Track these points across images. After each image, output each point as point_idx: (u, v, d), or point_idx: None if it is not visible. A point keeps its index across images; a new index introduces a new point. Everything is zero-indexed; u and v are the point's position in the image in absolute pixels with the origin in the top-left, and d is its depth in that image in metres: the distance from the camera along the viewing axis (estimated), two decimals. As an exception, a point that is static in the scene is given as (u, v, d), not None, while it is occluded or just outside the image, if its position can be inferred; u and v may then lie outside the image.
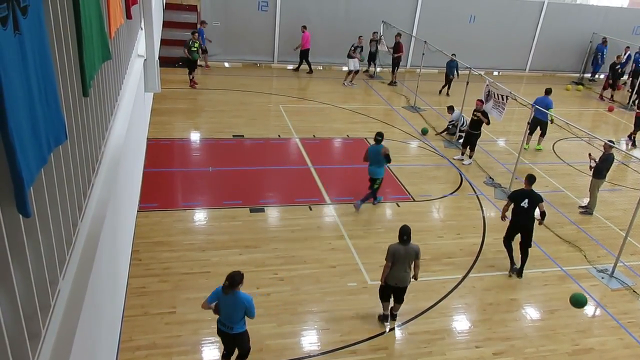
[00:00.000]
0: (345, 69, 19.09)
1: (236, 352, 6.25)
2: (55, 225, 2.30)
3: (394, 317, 7.50)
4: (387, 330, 7.36)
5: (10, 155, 1.57)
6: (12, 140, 1.55)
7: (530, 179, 8.71)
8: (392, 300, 7.38)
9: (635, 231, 9.30)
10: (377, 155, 10.00)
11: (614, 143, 10.79)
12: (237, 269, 8.29)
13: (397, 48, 18.84)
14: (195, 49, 16.01)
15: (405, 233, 7.04)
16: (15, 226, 1.80)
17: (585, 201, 11.38)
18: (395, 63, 19.10)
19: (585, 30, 22.32)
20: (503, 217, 8.88)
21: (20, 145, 1.62)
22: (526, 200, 8.46)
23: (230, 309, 5.77)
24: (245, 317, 5.87)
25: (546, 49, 22.46)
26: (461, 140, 13.94)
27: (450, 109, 14.25)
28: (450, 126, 14.34)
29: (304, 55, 19.06)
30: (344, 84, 18.50)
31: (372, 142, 13.73)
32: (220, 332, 6.03)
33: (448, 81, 18.22)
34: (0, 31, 1.47)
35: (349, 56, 18.16)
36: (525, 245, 8.65)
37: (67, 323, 2.25)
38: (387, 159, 10.05)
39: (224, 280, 5.69)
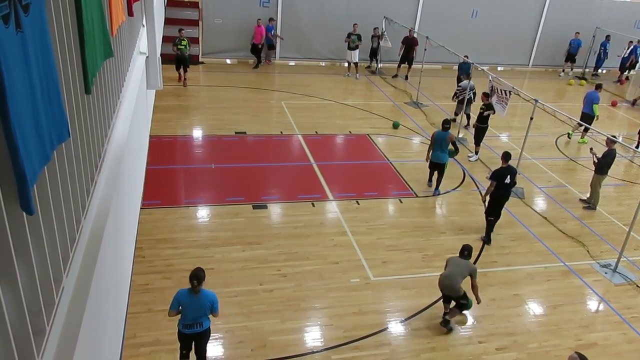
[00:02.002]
0: (346, 65, 19.07)
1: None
2: (58, 222, 2.31)
3: (444, 324, 7.33)
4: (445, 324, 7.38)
5: (13, 153, 1.57)
6: (15, 138, 1.56)
7: (507, 156, 9.41)
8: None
9: (638, 226, 9.27)
10: (443, 142, 10.60)
11: (616, 138, 10.76)
12: (240, 266, 8.34)
13: (412, 43, 18.70)
14: (183, 46, 15.92)
15: (466, 249, 7.35)
16: (19, 224, 1.81)
17: (586, 195, 11.35)
18: (410, 59, 18.91)
19: (588, 24, 22.19)
20: (485, 200, 9.56)
21: (23, 143, 1.62)
22: (508, 177, 9.22)
23: (198, 307, 5.80)
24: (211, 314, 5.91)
25: (549, 43, 22.35)
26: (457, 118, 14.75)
27: (468, 75, 14.69)
28: (458, 92, 14.71)
29: (255, 49, 18.63)
30: (345, 75, 18.76)
31: (375, 138, 13.80)
32: (185, 336, 5.94)
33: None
34: (2, 29, 1.48)
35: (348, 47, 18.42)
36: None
37: (72, 320, 2.26)
38: (454, 146, 10.72)
39: (190, 281, 5.74)
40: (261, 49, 18.69)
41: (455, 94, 15.01)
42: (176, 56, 16.11)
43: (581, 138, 14.69)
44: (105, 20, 3.30)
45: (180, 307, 5.83)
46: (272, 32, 18.84)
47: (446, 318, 7.33)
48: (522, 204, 11.02)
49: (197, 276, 5.75)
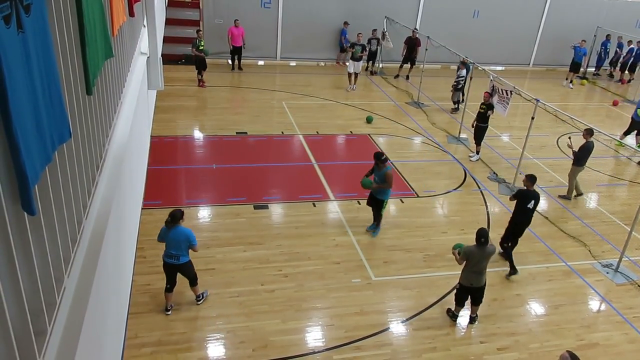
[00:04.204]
0: (348, 64, 19.03)
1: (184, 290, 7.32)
2: (60, 223, 2.31)
3: (472, 321, 7.55)
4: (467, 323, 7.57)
5: (14, 153, 1.58)
6: (16, 139, 1.56)
7: (532, 178, 8.58)
8: (469, 302, 7.50)
9: (640, 226, 9.28)
10: (381, 176, 9.01)
11: (592, 132, 10.84)
12: (241, 266, 8.34)
13: (414, 44, 18.68)
14: (203, 47, 15.89)
15: (482, 235, 6.97)
16: (20, 224, 1.81)
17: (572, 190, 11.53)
18: (413, 59, 18.92)
19: (589, 24, 22.19)
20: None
21: (25, 144, 1.62)
22: (532, 202, 8.42)
23: (175, 241, 6.81)
24: (190, 249, 6.93)
25: (550, 43, 22.35)
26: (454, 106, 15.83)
27: (463, 65, 15.68)
28: (460, 80, 15.66)
29: (236, 51, 18.13)
30: (346, 89, 17.42)
31: (376, 138, 13.79)
32: (166, 265, 7.00)
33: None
34: (4, 30, 1.48)
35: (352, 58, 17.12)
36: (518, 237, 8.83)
37: (73, 320, 2.25)
38: (382, 180, 8.97)
39: (167, 217, 6.83)
40: (240, 51, 18.16)
41: (458, 82, 15.78)
42: (196, 58, 15.93)
43: (638, 144, 14.30)
44: (106, 20, 3.30)
45: (165, 240, 6.90)
46: (347, 36, 19.01)
47: (472, 316, 7.53)
48: (523, 204, 11.00)
49: (172, 214, 6.80)
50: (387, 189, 9.08)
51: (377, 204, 9.29)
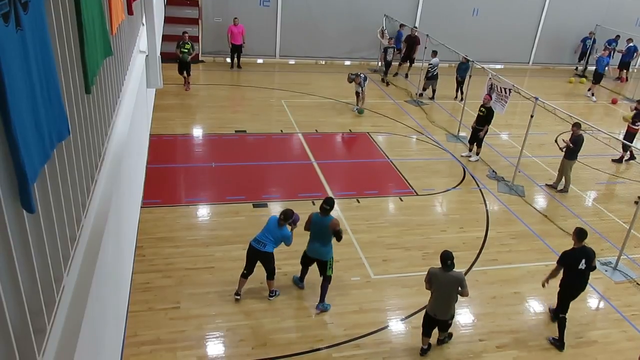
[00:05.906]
0: (347, 62, 19.01)
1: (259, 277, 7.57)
2: (59, 221, 2.31)
3: (439, 342, 7.00)
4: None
5: (13, 151, 1.58)
6: (15, 137, 1.56)
7: (581, 234, 7.15)
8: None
9: (639, 224, 9.27)
10: (324, 230, 7.27)
11: (580, 125, 10.95)
12: (240, 264, 8.32)
13: (414, 42, 18.64)
14: (186, 50, 15.42)
15: (449, 258, 6.29)
16: (19, 222, 1.81)
17: (561, 183, 11.67)
18: (412, 58, 18.91)
19: (588, 22, 22.19)
20: (546, 283, 7.39)
21: (24, 142, 1.62)
22: (583, 261, 7.05)
23: (272, 233, 7.23)
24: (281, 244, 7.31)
25: (550, 41, 22.35)
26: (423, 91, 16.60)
27: (434, 53, 16.37)
28: (430, 68, 16.39)
29: (235, 49, 18.02)
30: (354, 110, 15.52)
31: (375, 137, 13.79)
32: (251, 250, 7.32)
33: (458, 84, 16.99)
34: (2, 27, 1.47)
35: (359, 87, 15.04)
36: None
37: (72, 318, 2.25)
38: (337, 236, 7.27)
39: (280, 214, 7.28)
40: (241, 50, 18.08)
41: (428, 71, 16.48)
42: (178, 59, 15.88)
43: None
44: (105, 19, 3.29)
45: (265, 228, 7.34)
46: (403, 39, 19.13)
47: (440, 338, 6.97)
48: (522, 202, 11.02)
49: (284, 212, 7.27)
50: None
51: (322, 265, 7.54)
